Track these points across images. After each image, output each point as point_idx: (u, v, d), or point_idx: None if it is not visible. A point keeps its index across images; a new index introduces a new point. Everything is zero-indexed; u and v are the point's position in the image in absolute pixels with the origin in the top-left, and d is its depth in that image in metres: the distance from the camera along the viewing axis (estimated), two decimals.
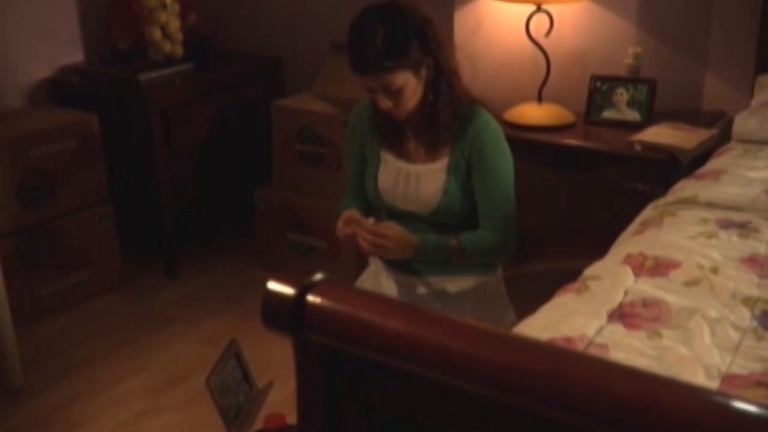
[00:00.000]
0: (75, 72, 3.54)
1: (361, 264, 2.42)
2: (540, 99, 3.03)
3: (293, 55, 3.82)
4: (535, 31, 2.96)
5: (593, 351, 1.50)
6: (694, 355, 1.49)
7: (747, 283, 1.73)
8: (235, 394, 2.09)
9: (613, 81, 2.98)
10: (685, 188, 2.25)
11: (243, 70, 3.74)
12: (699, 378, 1.42)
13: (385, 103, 2.04)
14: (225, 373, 2.08)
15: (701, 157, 2.62)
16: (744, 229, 1.96)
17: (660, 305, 1.65)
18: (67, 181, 3.21)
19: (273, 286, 1.04)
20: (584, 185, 3.23)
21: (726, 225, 1.98)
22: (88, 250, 3.31)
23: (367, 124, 2.21)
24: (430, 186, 2.12)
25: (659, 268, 1.80)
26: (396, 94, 2.02)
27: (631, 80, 2.96)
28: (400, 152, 2.17)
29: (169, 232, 3.47)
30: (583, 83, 3.03)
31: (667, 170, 2.68)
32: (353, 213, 2.10)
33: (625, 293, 1.71)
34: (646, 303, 1.66)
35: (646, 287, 1.72)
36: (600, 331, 1.58)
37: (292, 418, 1.97)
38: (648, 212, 2.19)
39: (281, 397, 2.27)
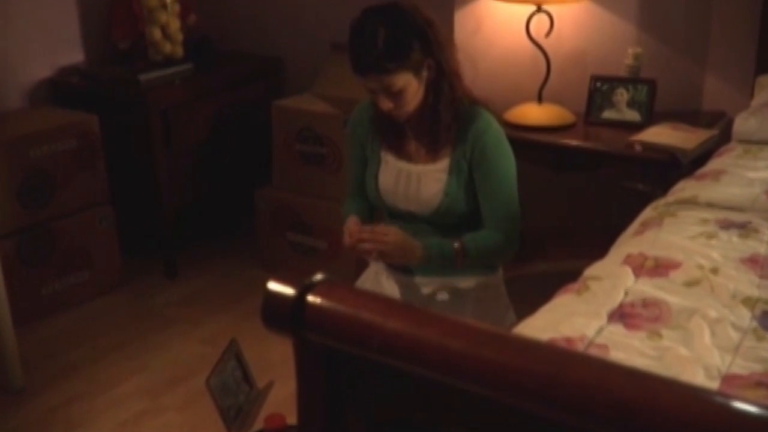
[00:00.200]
0: (75, 72, 3.54)
1: (361, 264, 2.42)
2: (540, 99, 3.03)
3: (293, 56, 3.82)
4: (535, 31, 2.96)
5: (593, 351, 1.50)
6: (694, 355, 1.49)
7: (747, 283, 1.73)
8: (235, 394, 2.09)
9: (613, 81, 2.98)
10: (685, 188, 2.25)
11: (243, 70, 3.74)
12: (699, 378, 1.42)
13: (386, 104, 2.04)
14: (225, 373, 2.08)
15: (701, 157, 2.62)
16: (744, 229, 1.96)
17: (660, 305, 1.65)
18: (67, 181, 3.21)
19: (273, 286, 1.04)
20: (584, 185, 3.23)
21: (726, 225, 1.98)
22: (88, 251, 3.31)
23: (368, 124, 2.21)
24: (431, 187, 2.11)
25: (659, 268, 1.80)
26: (397, 95, 2.02)
27: (631, 80, 2.96)
28: (401, 153, 2.17)
29: (169, 232, 3.47)
30: (583, 83, 3.03)
31: (667, 170, 2.68)
32: (354, 224, 2.09)
33: (626, 293, 1.71)
34: (646, 303, 1.66)
35: (646, 287, 1.72)
36: (600, 331, 1.58)
37: (292, 419, 1.97)
38: (648, 212, 2.19)
39: (281, 398, 2.26)
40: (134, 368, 2.89)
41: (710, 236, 1.93)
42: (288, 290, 1.03)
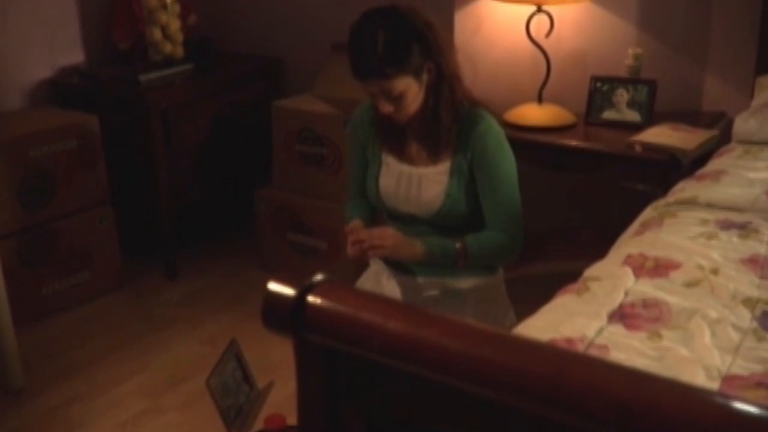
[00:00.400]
0: (75, 72, 3.54)
1: (362, 265, 2.42)
2: (540, 100, 3.03)
3: (293, 56, 3.82)
4: (535, 31, 2.96)
5: (593, 352, 1.50)
6: (695, 355, 1.49)
7: (747, 283, 1.73)
8: (235, 394, 2.09)
9: (614, 82, 2.98)
10: (685, 189, 2.25)
11: (243, 70, 3.74)
12: (699, 379, 1.42)
13: (387, 107, 2.03)
14: (225, 373, 2.08)
15: (701, 157, 2.62)
16: (744, 229, 1.96)
17: (660, 306, 1.65)
18: (67, 181, 3.21)
19: (273, 286, 1.04)
20: (584, 186, 3.23)
21: (726, 226, 1.98)
22: (89, 251, 3.31)
23: (369, 126, 2.21)
24: (432, 189, 2.11)
25: (659, 268, 1.80)
26: (397, 99, 2.01)
27: (632, 81, 2.96)
28: (402, 155, 2.17)
29: (169, 232, 3.47)
30: (584, 84, 3.03)
31: (667, 171, 2.68)
32: (354, 231, 2.09)
33: (626, 294, 1.71)
34: (647, 304, 1.66)
35: (647, 288, 1.72)
36: (600, 331, 1.58)
37: (292, 419, 1.97)
38: (648, 213, 2.19)
39: (281, 398, 2.26)
40: (134, 368, 2.89)
41: (710, 237, 1.93)
42: (288, 291, 1.03)
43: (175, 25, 3.49)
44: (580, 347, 1.51)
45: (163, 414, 2.65)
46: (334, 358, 1.05)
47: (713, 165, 2.41)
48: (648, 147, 2.71)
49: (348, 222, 2.19)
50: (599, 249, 2.03)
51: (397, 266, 2.20)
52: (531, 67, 3.11)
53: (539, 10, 2.90)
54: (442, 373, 0.94)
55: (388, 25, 1.97)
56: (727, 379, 1.43)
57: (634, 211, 2.26)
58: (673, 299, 1.67)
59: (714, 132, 2.79)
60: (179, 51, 3.53)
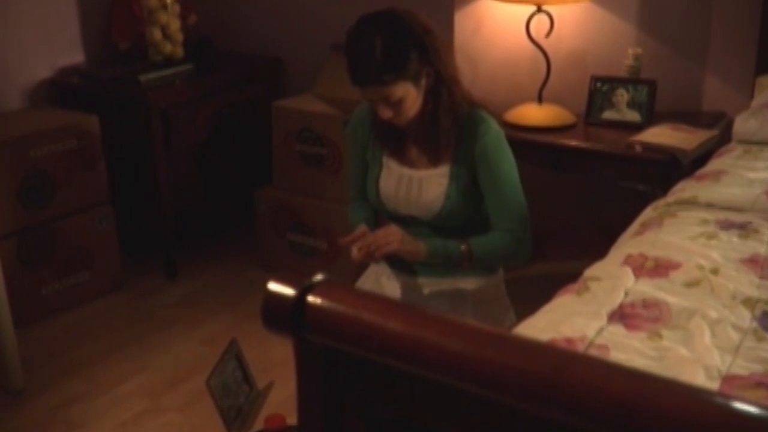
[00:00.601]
0: (75, 73, 3.54)
1: (361, 265, 2.42)
2: (540, 100, 3.03)
3: (293, 56, 3.82)
4: (535, 31, 2.96)
5: (593, 352, 1.50)
6: (695, 355, 1.49)
7: (747, 283, 1.73)
8: (235, 394, 2.09)
9: (614, 82, 2.98)
10: (685, 189, 2.25)
11: (243, 70, 3.74)
12: (699, 379, 1.42)
13: (386, 113, 2.03)
14: (225, 373, 2.08)
15: (701, 157, 2.62)
16: (744, 230, 1.96)
17: (660, 306, 1.65)
18: (67, 181, 3.21)
19: (273, 286, 1.04)
20: (584, 186, 3.23)
21: (726, 226, 1.98)
22: (89, 251, 3.31)
23: (369, 126, 2.20)
24: (433, 191, 2.11)
25: (659, 268, 1.80)
26: (396, 104, 2.00)
27: (632, 81, 2.96)
28: (402, 158, 2.16)
29: (169, 232, 3.47)
30: (584, 84, 3.03)
31: (667, 171, 2.68)
32: (361, 237, 2.09)
33: (626, 294, 1.71)
34: (647, 304, 1.66)
35: (647, 288, 1.72)
36: (600, 331, 1.58)
37: (292, 419, 1.97)
38: (648, 213, 2.19)
39: (282, 398, 2.26)
40: (134, 368, 2.89)
41: (710, 237, 1.93)
42: (288, 291, 1.03)
43: (175, 25, 3.49)
44: (580, 347, 1.51)
45: (163, 414, 2.65)
46: (334, 358, 1.05)
47: (713, 165, 2.41)
48: (648, 147, 2.71)
49: (353, 225, 2.18)
50: (599, 249, 2.03)
51: (399, 266, 2.20)
52: (531, 67, 3.11)
53: (539, 10, 2.90)
54: (442, 373, 0.94)
55: (386, 31, 1.95)
56: (727, 379, 1.43)
57: (634, 211, 2.26)
58: (673, 299, 1.67)
59: (714, 132, 2.79)
60: (179, 51, 3.53)
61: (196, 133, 3.53)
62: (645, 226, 2.07)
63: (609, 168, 2.89)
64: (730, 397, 0.84)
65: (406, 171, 2.15)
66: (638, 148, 2.72)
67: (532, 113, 3.00)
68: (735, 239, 1.91)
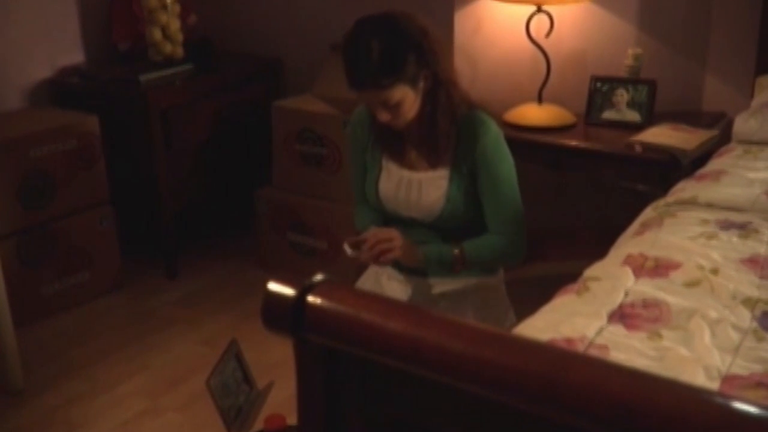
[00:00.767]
0: (75, 73, 3.54)
1: (361, 265, 2.42)
2: (540, 100, 3.03)
3: (293, 56, 3.82)
4: (535, 31, 2.96)
5: (593, 352, 1.50)
6: (695, 356, 1.49)
7: (747, 284, 1.73)
8: (235, 395, 2.09)
9: (614, 82, 2.98)
10: (685, 189, 2.24)
11: (243, 70, 3.74)
12: (699, 379, 1.42)
13: (384, 116, 2.02)
14: (225, 374, 2.08)
15: (701, 158, 2.62)
16: (744, 230, 1.96)
17: (660, 306, 1.65)
18: (67, 181, 3.21)
19: (273, 287, 1.04)
20: (584, 185, 3.23)
21: (726, 226, 1.98)
22: (89, 251, 3.31)
23: (368, 127, 2.20)
24: (432, 193, 2.11)
25: (659, 268, 1.79)
26: (394, 107, 2.00)
27: (631, 81, 2.96)
28: (402, 160, 2.16)
29: (169, 232, 3.47)
30: (584, 84, 3.03)
31: (667, 171, 2.68)
32: (371, 240, 2.07)
33: (626, 294, 1.71)
34: (647, 304, 1.66)
35: (647, 288, 1.72)
36: (600, 331, 1.58)
37: (292, 419, 1.97)
38: (648, 213, 2.19)
39: (282, 398, 2.26)
40: (134, 368, 2.89)
41: (710, 237, 1.93)
42: (288, 291, 1.03)
43: (175, 26, 3.49)
44: (580, 347, 1.51)
45: (163, 414, 2.65)
46: (334, 358, 1.05)
47: (713, 165, 2.41)
48: (648, 147, 2.71)
49: (362, 230, 2.17)
50: (599, 249, 2.03)
51: (398, 267, 2.19)
52: (531, 67, 3.11)
53: (539, 10, 2.90)
54: (442, 373, 0.94)
55: (383, 35, 1.94)
56: (727, 379, 1.43)
57: (634, 211, 2.26)
58: (673, 299, 1.67)
59: (714, 132, 2.79)
60: (179, 51, 3.53)
61: (196, 133, 3.53)
62: (645, 226, 2.07)
63: (609, 168, 2.89)
64: (730, 397, 0.85)
65: (406, 173, 2.15)
66: (638, 148, 2.72)
67: (532, 113, 3.00)
68: (735, 239, 1.91)
